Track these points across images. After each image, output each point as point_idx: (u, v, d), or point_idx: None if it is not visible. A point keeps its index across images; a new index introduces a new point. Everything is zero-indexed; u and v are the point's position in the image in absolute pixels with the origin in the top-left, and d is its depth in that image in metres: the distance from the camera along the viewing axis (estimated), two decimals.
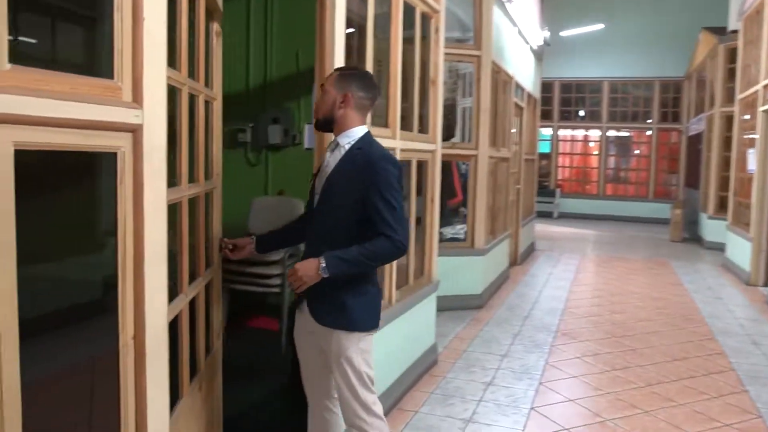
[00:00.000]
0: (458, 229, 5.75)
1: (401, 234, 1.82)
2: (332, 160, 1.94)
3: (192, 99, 1.87)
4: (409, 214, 3.04)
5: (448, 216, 5.88)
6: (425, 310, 3.55)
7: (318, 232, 1.96)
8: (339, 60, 2.31)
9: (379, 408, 1.95)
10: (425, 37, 3.48)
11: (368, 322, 1.94)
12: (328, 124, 1.95)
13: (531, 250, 8.39)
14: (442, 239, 5.61)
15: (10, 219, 1.00)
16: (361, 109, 1.93)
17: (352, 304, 1.89)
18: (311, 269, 1.79)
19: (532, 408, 3.13)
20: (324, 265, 1.78)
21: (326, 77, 2.00)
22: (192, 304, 1.85)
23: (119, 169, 1.27)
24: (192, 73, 1.87)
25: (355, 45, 2.86)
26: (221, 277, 2.29)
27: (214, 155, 2.18)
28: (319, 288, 1.86)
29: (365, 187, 1.83)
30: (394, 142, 2.94)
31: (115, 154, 1.26)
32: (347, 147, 1.91)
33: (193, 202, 1.87)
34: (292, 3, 4.68)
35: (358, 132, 1.93)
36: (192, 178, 1.88)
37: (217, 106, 2.23)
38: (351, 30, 2.62)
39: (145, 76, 1.29)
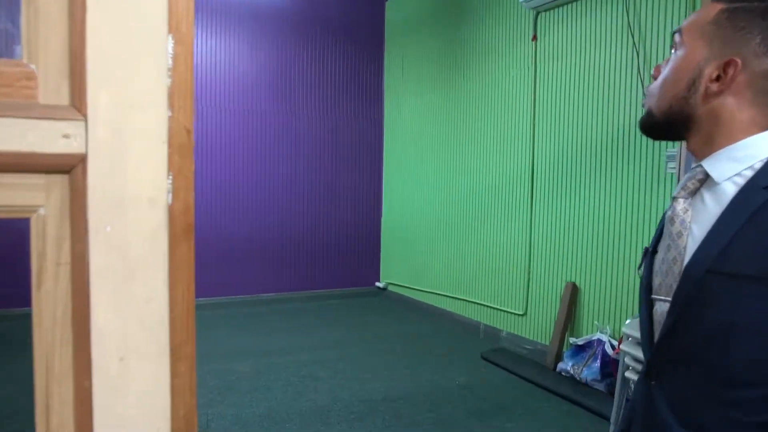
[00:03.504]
0: None
1: None
2: (697, 215, 0.83)
3: None
4: None
5: None
6: None
7: (662, 384, 0.87)
8: None
9: None
10: None
11: None
12: (673, 124, 0.86)
13: None
14: None
15: None
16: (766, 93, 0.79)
17: None
18: None
19: None
20: None
21: (684, 25, 0.86)
22: None
23: (34, 256, 0.57)
24: None
25: None
26: None
27: None
28: None
29: None
30: None
31: (24, 223, 0.57)
32: (737, 184, 0.79)
33: None
34: None
35: (764, 147, 0.78)
36: None
37: None
38: None
39: (89, 51, 0.55)
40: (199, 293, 6.18)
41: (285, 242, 6.58)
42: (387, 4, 6.90)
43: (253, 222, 6.41)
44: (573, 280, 4.22)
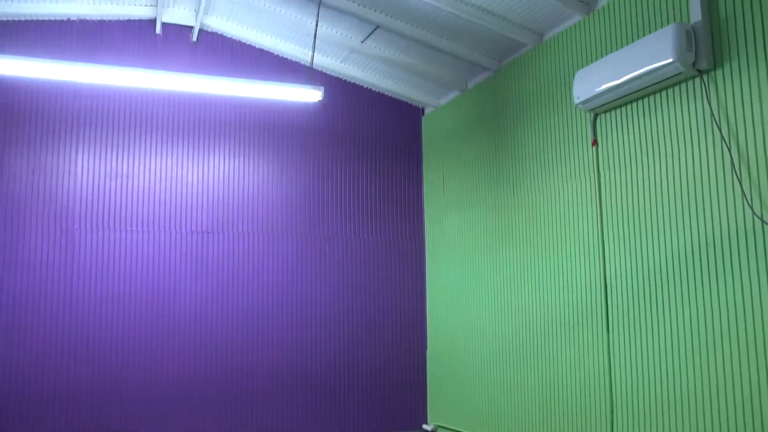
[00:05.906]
0: None
1: None
2: None
3: None
4: None
5: None
6: None
7: None
8: None
9: None
10: None
11: None
12: None
13: None
14: None
15: None
16: None
17: None
18: None
19: None
20: None
21: None
22: None
23: None
24: None
25: None
26: None
27: None
28: None
29: None
30: None
31: None
32: None
33: None
34: None
35: None
36: None
37: None
38: None
39: None
40: None
41: (317, 378, 5.82)
42: (423, 118, 6.58)
43: (281, 355, 5.72)
44: None
